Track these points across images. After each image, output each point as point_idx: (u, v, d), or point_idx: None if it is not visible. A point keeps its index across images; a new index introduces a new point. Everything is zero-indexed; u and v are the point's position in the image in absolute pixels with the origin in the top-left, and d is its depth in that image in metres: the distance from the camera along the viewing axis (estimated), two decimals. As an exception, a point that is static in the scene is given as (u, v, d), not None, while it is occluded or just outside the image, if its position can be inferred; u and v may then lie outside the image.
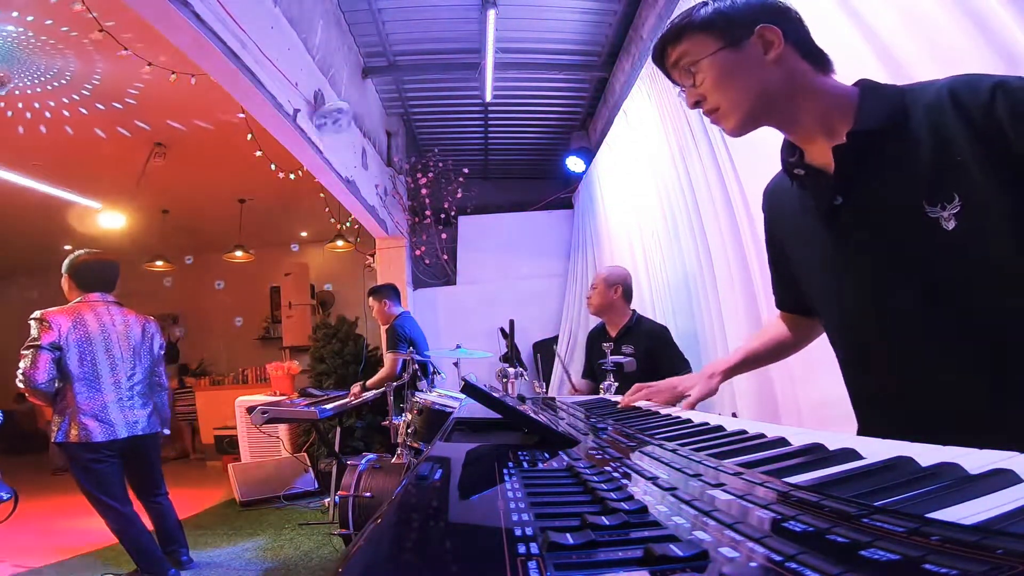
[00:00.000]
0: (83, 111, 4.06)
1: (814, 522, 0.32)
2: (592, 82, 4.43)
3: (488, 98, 4.12)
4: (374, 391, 3.63)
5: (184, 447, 6.88)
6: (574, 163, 4.83)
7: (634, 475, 0.49)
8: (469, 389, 0.80)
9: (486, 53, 3.57)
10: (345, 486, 2.41)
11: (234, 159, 4.53)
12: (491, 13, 3.23)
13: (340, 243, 6.10)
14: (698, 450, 0.59)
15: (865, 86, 0.83)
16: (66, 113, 4.05)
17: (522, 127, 5.12)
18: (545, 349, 4.84)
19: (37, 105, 3.94)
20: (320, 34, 3.19)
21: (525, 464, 0.55)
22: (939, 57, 1.25)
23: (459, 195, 5.26)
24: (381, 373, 3.65)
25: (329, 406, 3.27)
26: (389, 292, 3.85)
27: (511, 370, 1.53)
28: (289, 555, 2.94)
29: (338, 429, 4.13)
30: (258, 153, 3.65)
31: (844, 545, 0.28)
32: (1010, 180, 0.68)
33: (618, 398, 1.32)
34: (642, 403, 1.16)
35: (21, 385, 2.38)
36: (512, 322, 1.86)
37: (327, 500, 3.38)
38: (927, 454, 0.46)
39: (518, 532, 0.33)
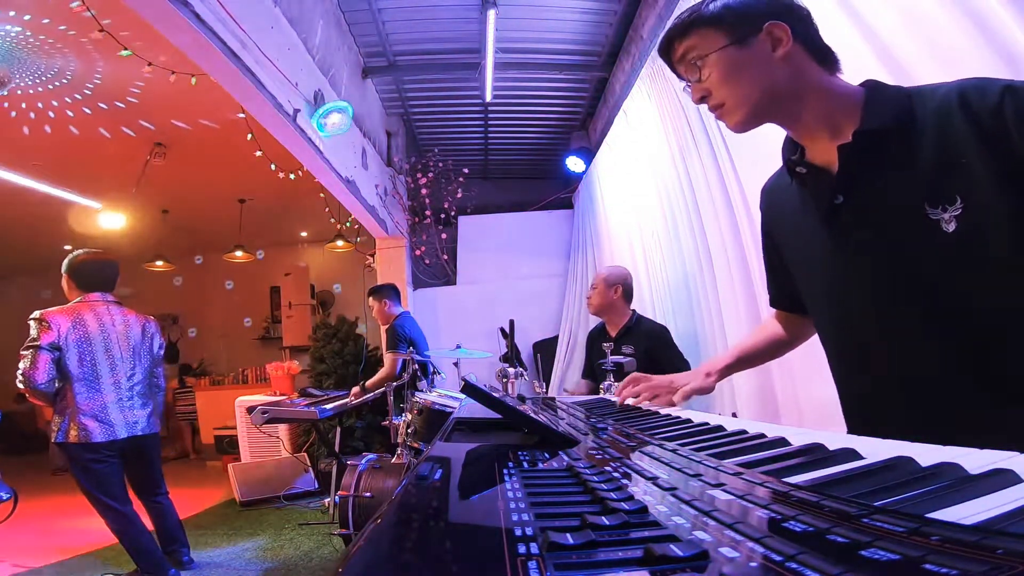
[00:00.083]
0: (84, 111, 4.06)
1: (814, 522, 0.32)
2: (592, 82, 4.43)
3: (488, 98, 4.12)
4: (374, 392, 3.64)
5: (184, 447, 6.88)
6: (574, 163, 4.83)
7: (634, 475, 0.49)
8: (469, 389, 0.80)
9: (486, 53, 3.57)
10: (345, 486, 2.41)
11: (234, 159, 4.53)
12: (491, 13, 3.23)
13: (340, 243, 6.10)
14: (698, 450, 0.59)
15: (871, 87, 0.83)
16: (69, 113, 4.05)
17: (522, 127, 5.12)
18: (545, 349, 4.84)
19: (40, 105, 3.95)
20: (320, 34, 3.19)
21: (525, 464, 0.55)
22: (939, 57, 1.25)
23: (459, 195, 5.27)
24: (381, 373, 3.65)
25: (329, 406, 3.27)
26: (389, 292, 3.85)
27: (511, 370, 1.53)
28: (289, 555, 2.94)
29: (338, 429, 4.13)
30: (258, 153, 3.65)
31: (844, 545, 0.28)
32: (1013, 183, 0.68)
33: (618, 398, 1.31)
34: (643, 403, 1.16)
35: (21, 385, 2.37)
36: (512, 322, 1.86)
37: (327, 500, 3.38)
38: (927, 454, 0.46)
39: (518, 532, 0.33)
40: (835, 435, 0.61)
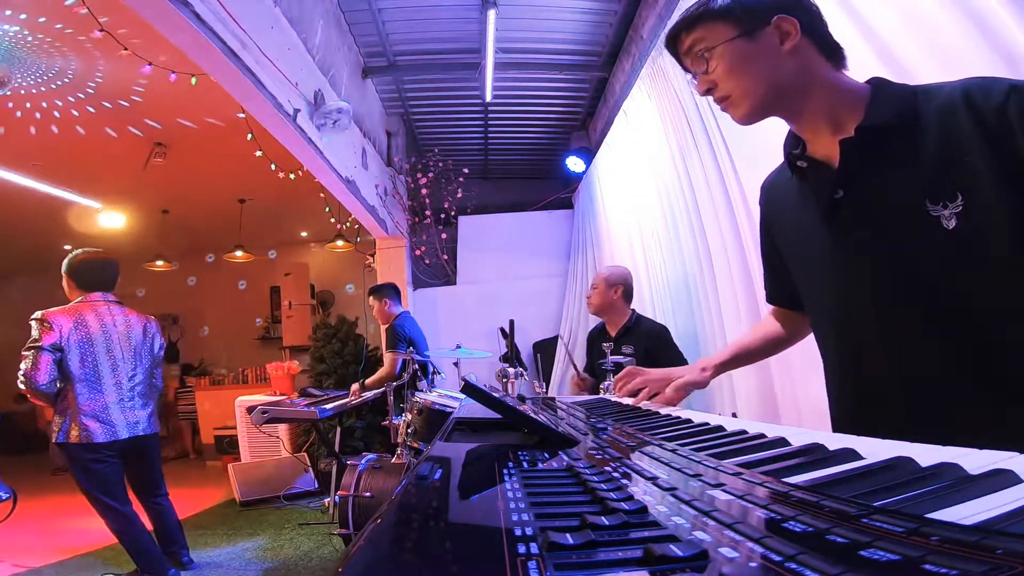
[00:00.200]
0: (85, 111, 4.06)
1: (814, 522, 0.32)
2: (592, 82, 4.43)
3: (488, 98, 4.12)
4: (374, 391, 3.64)
5: (184, 447, 6.88)
6: (574, 163, 4.82)
7: (634, 475, 0.49)
8: (469, 389, 0.80)
9: (486, 53, 3.57)
10: (345, 486, 2.41)
11: (234, 159, 4.53)
12: (491, 13, 3.23)
13: (340, 243, 6.10)
14: (698, 450, 0.59)
15: (877, 84, 0.83)
16: (73, 113, 4.05)
17: (522, 127, 5.11)
18: (545, 349, 4.84)
19: (44, 105, 3.95)
20: (320, 34, 3.19)
21: (525, 464, 0.55)
22: (939, 57, 1.26)
23: (459, 195, 5.26)
24: (380, 372, 3.65)
25: (329, 406, 3.27)
26: (390, 291, 3.85)
27: (511, 370, 1.53)
28: (289, 555, 2.94)
29: (338, 429, 4.13)
30: (258, 153, 3.65)
31: (844, 545, 0.28)
32: (1015, 183, 0.68)
33: (618, 398, 1.31)
34: (642, 403, 1.16)
35: (22, 386, 2.37)
36: (512, 322, 1.86)
37: (327, 500, 3.38)
38: (927, 454, 0.46)
39: (518, 532, 0.33)
40: (835, 435, 0.61)
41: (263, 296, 7.90)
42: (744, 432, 0.69)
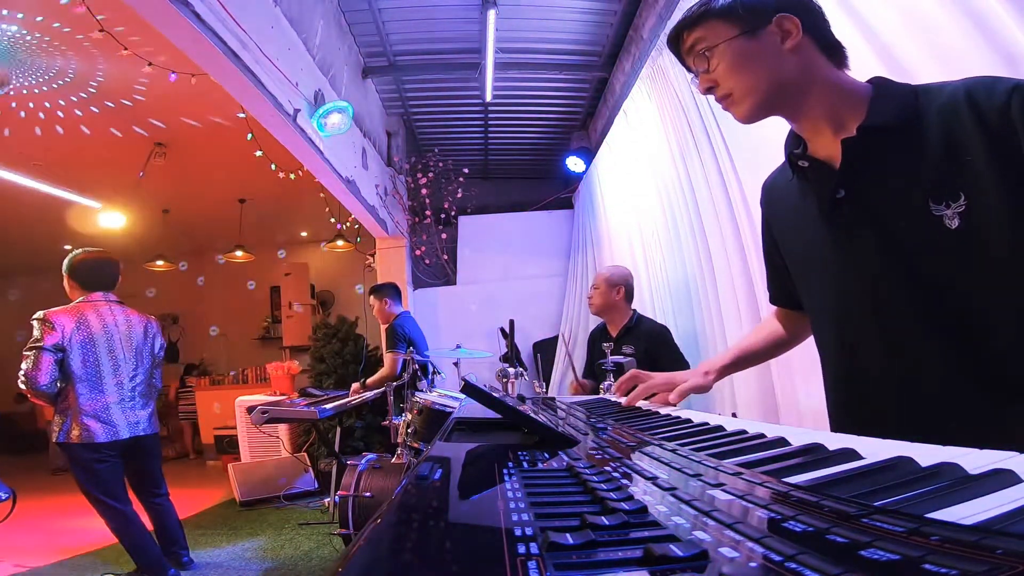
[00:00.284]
0: (85, 111, 4.06)
1: (814, 522, 0.32)
2: (592, 82, 4.43)
3: (488, 98, 4.12)
4: (374, 390, 3.64)
5: (184, 447, 6.89)
6: (574, 163, 4.83)
7: (634, 475, 0.49)
8: (469, 389, 0.80)
9: (486, 53, 3.57)
10: (345, 486, 2.41)
11: (234, 159, 4.53)
12: (491, 13, 3.23)
13: (340, 243, 6.10)
14: (698, 450, 0.59)
15: (878, 83, 0.83)
16: (77, 112, 4.06)
17: (522, 127, 5.11)
18: (545, 349, 4.84)
19: (48, 105, 3.95)
20: (320, 34, 3.19)
21: (525, 464, 0.55)
22: (939, 57, 1.26)
23: (459, 195, 5.27)
24: (381, 372, 3.66)
25: (329, 406, 3.27)
26: (390, 291, 3.85)
27: (511, 370, 1.53)
28: (289, 555, 2.94)
29: (338, 429, 4.13)
30: (258, 153, 3.65)
31: (844, 545, 0.28)
32: (1018, 182, 0.68)
33: (618, 398, 1.31)
34: (643, 403, 1.16)
35: (23, 386, 2.37)
36: (512, 322, 1.85)
37: (327, 500, 3.38)
38: (927, 454, 0.46)
39: (518, 532, 0.33)
40: (835, 435, 0.61)
41: (263, 296, 7.90)
42: (744, 432, 0.69)
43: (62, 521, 3.78)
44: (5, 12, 3.02)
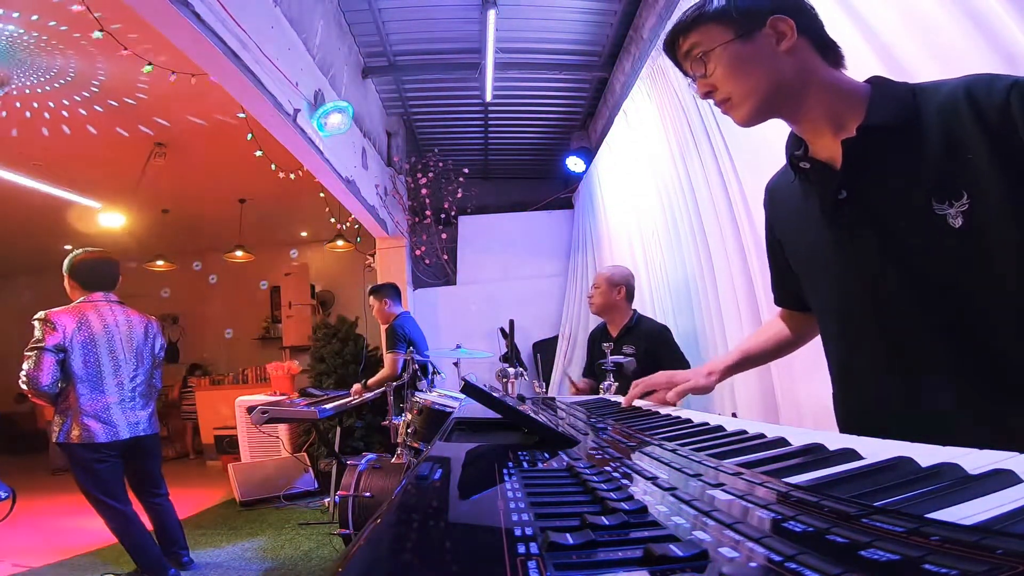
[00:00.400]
0: (85, 111, 4.06)
1: (814, 522, 0.32)
2: (592, 82, 4.43)
3: (488, 98, 4.12)
4: (374, 391, 3.64)
5: (184, 447, 6.89)
6: (574, 163, 4.83)
7: (634, 475, 0.49)
8: (469, 389, 0.80)
9: (486, 53, 3.57)
10: (345, 486, 2.41)
11: (234, 159, 4.53)
12: (491, 13, 3.23)
13: (340, 243, 6.10)
14: (698, 450, 0.59)
15: (877, 83, 0.83)
16: (76, 112, 4.05)
17: (522, 127, 5.12)
18: (545, 349, 4.84)
19: (51, 104, 3.94)
20: (320, 34, 3.19)
21: (525, 464, 0.55)
22: (939, 57, 1.26)
23: (459, 195, 5.27)
24: (382, 373, 3.65)
25: (329, 406, 3.27)
26: (390, 291, 3.85)
27: (511, 370, 1.53)
28: (289, 555, 2.94)
29: (338, 429, 4.13)
30: (258, 153, 3.65)
31: (844, 545, 0.28)
32: (1020, 179, 0.68)
33: (618, 398, 1.31)
34: (642, 403, 1.16)
35: (24, 387, 2.37)
36: (512, 322, 1.85)
37: (327, 500, 3.38)
38: (927, 454, 0.46)
39: (518, 532, 0.33)
40: (835, 435, 0.61)
41: (264, 296, 7.90)
42: (744, 432, 0.69)
43: (62, 521, 3.79)
44: (15, 14, 3.02)
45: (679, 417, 0.90)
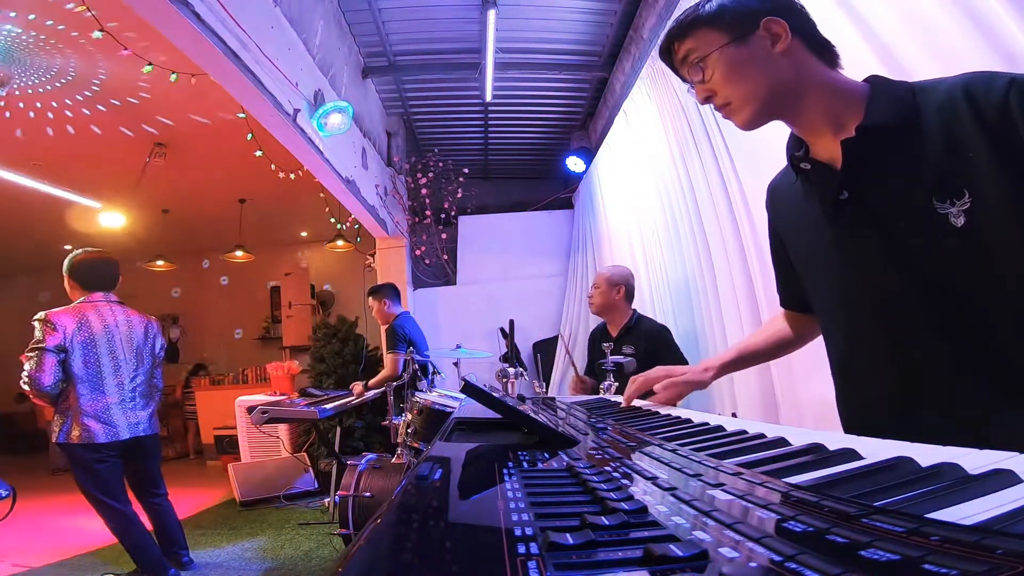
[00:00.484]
0: (85, 111, 4.06)
1: (814, 522, 0.32)
2: (592, 82, 4.43)
3: (488, 98, 4.12)
4: (375, 391, 3.64)
5: (184, 447, 6.89)
6: (574, 163, 4.83)
7: (634, 475, 0.49)
8: (469, 389, 0.80)
9: (486, 53, 3.57)
10: (345, 486, 2.41)
11: (234, 159, 4.53)
12: (491, 13, 3.23)
13: (340, 243, 6.10)
14: (698, 450, 0.59)
15: (875, 82, 0.83)
16: (76, 112, 4.06)
17: (522, 127, 5.12)
18: (545, 349, 4.84)
19: (40, 105, 3.94)
20: (320, 34, 3.19)
21: (525, 464, 0.55)
22: (939, 57, 1.26)
23: (459, 195, 5.27)
24: (383, 373, 3.66)
25: (329, 406, 3.27)
26: (389, 292, 3.85)
27: (511, 370, 1.53)
28: (289, 555, 2.94)
29: (338, 429, 4.13)
30: (258, 153, 3.65)
31: (844, 545, 0.28)
32: (1022, 178, 0.68)
33: (618, 398, 1.31)
34: (642, 403, 1.16)
35: (26, 387, 2.37)
36: (512, 322, 1.85)
37: (327, 500, 3.38)
38: (927, 454, 0.46)
39: (518, 532, 0.33)
40: (835, 435, 0.61)
41: (264, 296, 7.90)
42: (744, 432, 0.69)
43: (62, 521, 3.78)
44: (12, 13, 3.02)
45: (679, 417, 0.90)
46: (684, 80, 0.93)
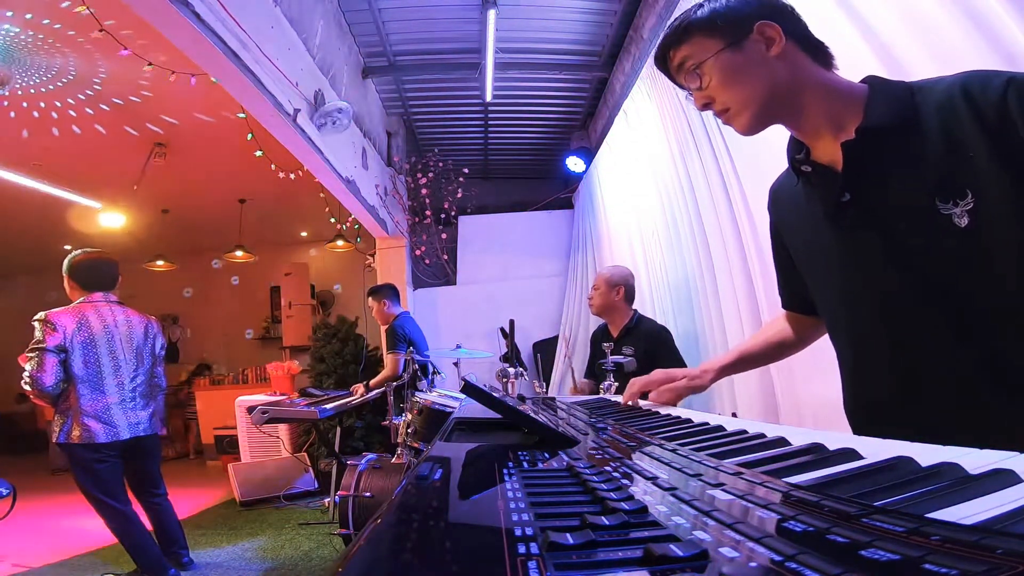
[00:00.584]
0: (86, 111, 4.06)
1: (814, 522, 0.32)
2: (592, 82, 4.43)
3: (488, 98, 4.12)
4: (376, 391, 3.64)
5: (184, 447, 6.89)
6: (574, 163, 4.83)
7: (634, 475, 0.49)
8: (469, 389, 0.80)
9: (486, 53, 3.57)
10: (345, 486, 2.41)
11: (234, 159, 4.53)
12: (491, 13, 3.23)
13: (340, 243, 6.10)
14: (698, 450, 0.59)
15: (874, 82, 0.83)
16: (76, 112, 4.06)
17: (522, 127, 5.12)
18: (545, 349, 4.84)
19: (43, 105, 3.94)
20: (320, 34, 3.19)
21: (525, 464, 0.55)
22: (939, 57, 1.25)
23: (459, 195, 5.27)
24: (383, 374, 3.66)
25: (329, 406, 3.27)
26: (388, 292, 3.85)
27: (511, 370, 1.53)
28: (289, 555, 2.94)
29: (338, 429, 4.13)
30: (258, 153, 3.65)
31: (844, 545, 0.28)
32: (1022, 176, 0.68)
33: (618, 398, 1.31)
34: (642, 403, 1.16)
35: (27, 388, 2.37)
36: (512, 322, 1.85)
37: (327, 500, 3.38)
38: (927, 454, 0.46)
39: (518, 532, 0.33)
40: (835, 435, 0.61)
41: (264, 296, 7.90)
42: (744, 432, 0.69)
43: (62, 521, 3.78)
44: (10, 13, 3.02)
45: (679, 417, 0.90)
46: (681, 87, 0.93)
